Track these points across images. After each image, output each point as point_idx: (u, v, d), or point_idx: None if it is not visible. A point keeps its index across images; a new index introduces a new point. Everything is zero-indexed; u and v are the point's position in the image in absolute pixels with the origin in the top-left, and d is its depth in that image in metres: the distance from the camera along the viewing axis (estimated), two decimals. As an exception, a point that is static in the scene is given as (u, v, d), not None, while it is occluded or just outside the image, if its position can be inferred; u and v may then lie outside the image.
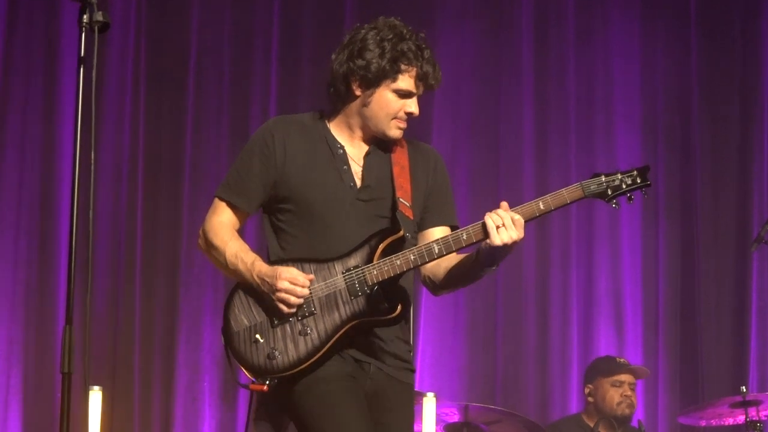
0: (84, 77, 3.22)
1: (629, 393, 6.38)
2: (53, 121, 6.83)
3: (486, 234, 3.54)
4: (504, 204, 3.58)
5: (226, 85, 7.13)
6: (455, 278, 3.72)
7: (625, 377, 6.40)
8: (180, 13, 7.09)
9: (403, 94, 3.66)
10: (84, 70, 3.22)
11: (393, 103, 3.66)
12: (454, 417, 6.18)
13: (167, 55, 7.07)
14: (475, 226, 3.58)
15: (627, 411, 6.36)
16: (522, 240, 3.55)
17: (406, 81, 3.65)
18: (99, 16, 3.22)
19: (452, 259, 3.72)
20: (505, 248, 3.54)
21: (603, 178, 3.64)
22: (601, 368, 6.47)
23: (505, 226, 3.52)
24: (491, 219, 3.54)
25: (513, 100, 7.42)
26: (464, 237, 3.59)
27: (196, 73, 7.08)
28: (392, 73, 3.63)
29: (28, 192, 6.80)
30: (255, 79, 7.17)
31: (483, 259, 3.59)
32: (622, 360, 6.52)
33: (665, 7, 7.55)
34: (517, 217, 3.54)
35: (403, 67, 3.63)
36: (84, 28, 3.22)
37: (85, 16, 3.22)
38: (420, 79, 3.65)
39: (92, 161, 3.19)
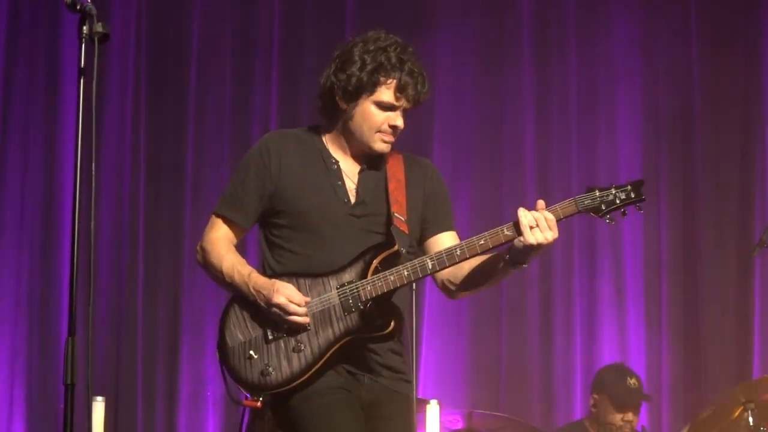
0: (84, 88, 3.22)
1: (631, 419, 6.18)
2: (55, 131, 6.84)
3: (501, 240, 3.57)
4: (540, 202, 3.60)
5: (227, 92, 7.14)
6: (480, 278, 3.73)
7: (631, 405, 6.24)
8: (180, 21, 7.10)
9: (385, 107, 3.66)
10: (84, 80, 3.23)
11: (376, 116, 3.67)
12: (458, 424, 6.16)
13: (168, 62, 7.08)
14: (470, 242, 3.59)
15: None
16: (556, 240, 3.57)
17: (384, 93, 3.65)
18: (99, 27, 3.22)
19: (475, 260, 3.72)
20: (539, 247, 3.56)
21: (597, 193, 3.65)
22: (611, 385, 6.22)
23: (539, 227, 3.54)
24: (525, 218, 3.55)
25: (514, 101, 7.40)
26: (458, 252, 3.60)
27: (197, 80, 7.10)
28: (370, 86, 3.64)
29: (31, 203, 6.81)
30: (256, 85, 7.18)
31: (514, 257, 3.59)
32: (633, 381, 6.22)
33: (666, 1, 7.54)
34: (551, 216, 3.56)
35: (381, 79, 3.63)
36: (84, 39, 3.23)
37: (84, 27, 3.23)
38: (399, 90, 3.64)
39: (93, 171, 3.19)
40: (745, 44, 7.48)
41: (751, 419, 5.62)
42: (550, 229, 3.55)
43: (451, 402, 6.62)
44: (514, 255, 3.60)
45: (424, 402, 5.87)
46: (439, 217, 3.81)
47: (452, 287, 3.78)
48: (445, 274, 3.75)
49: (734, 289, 7.30)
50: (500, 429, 6.24)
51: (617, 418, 6.19)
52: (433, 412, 5.91)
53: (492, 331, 7.23)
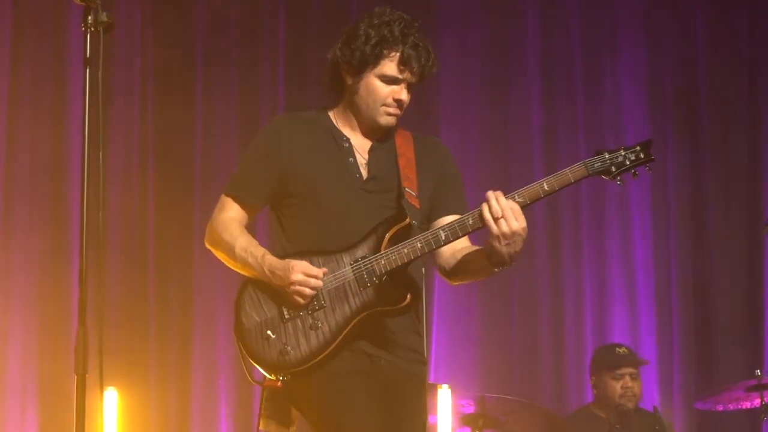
0: (90, 78, 3.22)
1: (630, 384, 6.26)
2: (62, 122, 6.83)
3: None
4: (498, 192, 3.54)
5: (234, 79, 7.13)
6: (469, 271, 3.72)
7: (624, 369, 6.31)
8: (186, 9, 7.10)
9: (389, 80, 3.68)
10: (90, 70, 3.23)
11: (380, 89, 3.68)
12: (470, 408, 6.17)
13: (174, 50, 7.07)
14: (481, 210, 3.56)
15: (629, 404, 6.24)
16: (525, 230, 3.52)
17: (388, 66, 3.67)
18: (103, 17, 3.22)
19: (467, 249, 3.72)
20: (509, 242, 3.51)
21: (606, 156, 3.63)
22: (602, 359, 6.39)
23: (504, 217, 3.51)
24: (487, 211, 3.52)
25: (520, 88, 7.40)
26: (470, 222, 3.59)
27: (203, 68, 7.09)
28: (373, 59, 3.66)
29: (39, 195, 6.81)
30: (263, 72, 7.18)
31: (493, 255, 3.55)
32: (622, 350, 6.38)
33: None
34: (516, 206, 3.52)
35: (384, 52, 3.65)
36: (89, 29, 3.23)
37: (89, 17, 3.22)
38: (403, 63, 3.66)
39: (101, 162, 3.19)
40: (752, 20, 7.44)
41: None
42: (516, 218, 3.50)
43: (463, 386, 6.62)
44: (491, 254, 3.55)
45: (435, 386, 5.88)
46: (448, 198, 3.81)
47: (447, 273, 3.78)
48: (444, 258, 3.76)
49: (744, 268, 7.29)
50: (512, 412, 6.24)
51: (618, 386, 6.25)
52: (445, 396, 5.91)
53: (503, 315, 7.24)
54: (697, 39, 7.43)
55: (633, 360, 6.37)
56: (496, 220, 3.51)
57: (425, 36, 3.71)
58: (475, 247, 3.72)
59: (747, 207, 7.34)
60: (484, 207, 3.53)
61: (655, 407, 6.25)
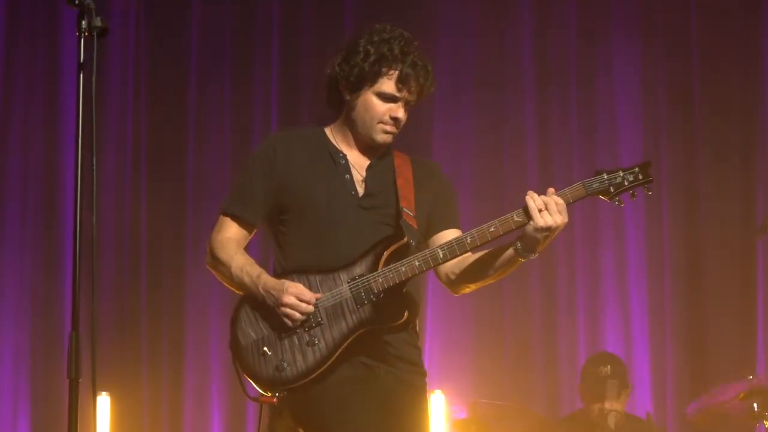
0: (84, 83, 3.22)
1: (613, 407, 6.07)
2: (55, 127, 6.84)
3: (512, 227, 3.56)
4: (551, 189, 3.59)
5: (228, 83, 7.14)
6: (485, 270, 3.71)
7: (606, 393, 6.12)
8: (179, 16, 7.10)
9: (387, 98, 3.67)
10: (84, 75, 3.22)
11: (377, 107, 3.68)
12: (463, 413, 6.17)
13: (168, 55, 7.08)
14: (480, 230, 3.59)
15: (610, 424, 6.06)
16: (565, 225, 3.56)
17: (386, 84, 3.66)
18: (97, 22, 3.21)
19: (481, 252, 3.72)
20: (549, 231, 3.55)
21: (605, 176, 3.66)
22: (586, 375, 6.25)
23: (549, 210, 3.54)
24: (533, 201, 3.55)
25: (515, 101, 7.40)
26: (468, 240, 3.60)
27: (197, 73, 7.09)
28: (372, 76, 3.65)
29: (32, 199, 6.81)
30: (256, 79, 7.18)
31: (526, 245, 3.58)
32: (605, 369, 6.17)
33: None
34: (560, 200, 3.56)
35: (383, 69, 3.65)
36: (83, 34, 3.22)
37: (83, 22, 3.22)
38: (401, 82, 3.65)
39: (94, 166, 3.19)
40: (747, 28, 7.45)
41: None
42: (560, 213, 3.55)
43: (455, 391, 6.62)
44: (526, 242, 3.58)
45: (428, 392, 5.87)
46: (445, 214, 3.81)
47: (456, 280, 3.76)
48: (449, 267, 3.75)
49: (738, 274, 7.29)
50: (504, 418, 6.24)
51: (595, 408, 6.15)
52: (437, 402, 5.91)
53: (495, 319, 7.23)
54: (692, 38, 7.43)
55: (614, 384, 6.15)
56: (540, 211, 3.54)
57: (424, 53, 3.70)
58: (486, 250, 3.71)
59: (740, 212, 7.34)
60: (529, 199, 3.57)
61: (647, 414, 6.23)
